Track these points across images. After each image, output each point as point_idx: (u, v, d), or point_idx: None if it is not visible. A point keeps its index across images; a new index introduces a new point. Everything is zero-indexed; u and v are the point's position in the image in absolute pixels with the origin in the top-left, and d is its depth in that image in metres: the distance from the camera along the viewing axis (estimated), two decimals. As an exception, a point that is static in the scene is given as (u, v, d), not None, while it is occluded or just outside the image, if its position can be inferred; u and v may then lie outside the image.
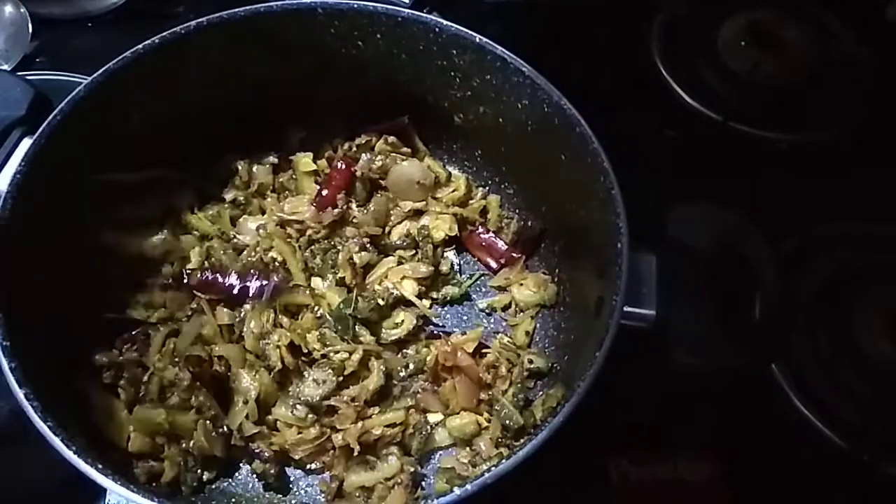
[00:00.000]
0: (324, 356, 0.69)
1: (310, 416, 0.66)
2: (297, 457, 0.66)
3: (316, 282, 0.73)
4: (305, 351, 0.69)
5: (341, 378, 0.67)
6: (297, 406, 0.66)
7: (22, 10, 1.04)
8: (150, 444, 0.64)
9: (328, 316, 0.70)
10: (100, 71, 0.63)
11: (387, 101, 0.77)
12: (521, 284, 0.77)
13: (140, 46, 0.64)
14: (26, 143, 0.62)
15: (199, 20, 0.66)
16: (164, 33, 0.65)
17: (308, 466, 0.68)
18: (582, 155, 0.63)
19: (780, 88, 1.00)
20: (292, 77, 0.74)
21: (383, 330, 0.72)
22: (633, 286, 0.58)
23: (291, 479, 0.69)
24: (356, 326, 0.70)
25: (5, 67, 1.03)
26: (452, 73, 0.72)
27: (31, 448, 0.52)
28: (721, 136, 0.95)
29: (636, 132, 0.94)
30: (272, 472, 0.66)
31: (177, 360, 0.66)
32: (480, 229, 0.79)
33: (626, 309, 0.57)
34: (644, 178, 0.74)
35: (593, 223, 0.64)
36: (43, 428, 0.48)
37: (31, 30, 1.04)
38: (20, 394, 0.49)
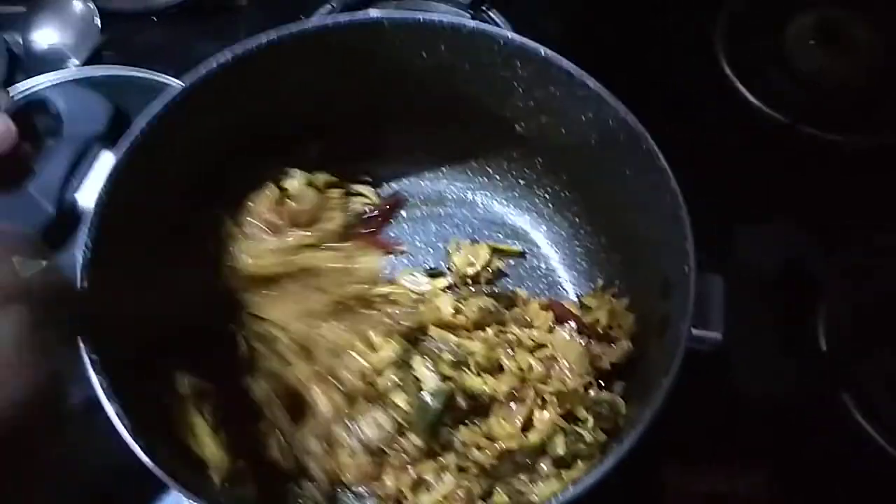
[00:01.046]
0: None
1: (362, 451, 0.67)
2: (347, 480, 0.67)
3: None
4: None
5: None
6: (353, 438, 0.67)
7: (90, 6, 1.07)
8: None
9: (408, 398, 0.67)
10: (177, 89, 0.65)
11: (448, 108, 0.77)
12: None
13: (213, 63, 0.66)
14: (107, 157, 0.64)
15: (270, 35, 0.67)
16: (235, 49, 0.66)
17: (358, 490, 0.69)
18: (648, 172, 0.63)
19: (849, 89, 0.97)
20: (357, 88, 0.75)
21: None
22: (699, 308, 0.58)
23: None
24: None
25: (76, 62, 1.06)
26: (515, 84, 0.72)
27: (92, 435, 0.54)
28: (789, 139, 0.93)
29: (699, 135, 0.93)
30: (319, 496, 0.67)
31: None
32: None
33: (693, 332, 0.57)
34: (708, 191, 0.73)
35: (658, 241, 0.64)
36: (134, 446, 0.51)
37: (99, 25, 1.06)
38: (111, 409, 0.52)
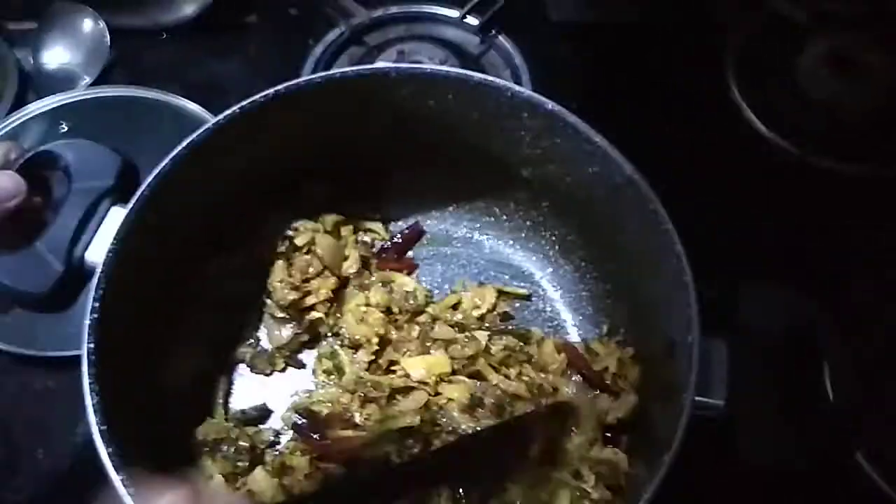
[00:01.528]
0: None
1: None
2: None
3: None
4: None
5: None
6: None
7: (100, 24, 1.07)
8: None
9: None
10: (183, 143, 0.65)
11: (455, 152, 0.78)
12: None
13: (221, 117, 0.66)
14: (115, 212, 0.65)
15: (278, 88, 0.67)
16: (244, 103, 0.67)
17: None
18: (654, 233, 0.63)
19: (863, 118, 0.96)
20: (364, 134, 0.76)
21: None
22: (702, 373, 0.58)
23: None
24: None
25: (86, 80, 1.06)
26: (522, 133, 0.72)
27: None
28: (800, 171, 0.92)
29: (708, 167, 0.92)
30: None
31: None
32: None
33: (696, 399, 0.57)
34: (713, 232, 0.73)
35: (662, 300, 0.64)
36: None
37: (109, 43, 1.06)
38: (117, 481, 0.52)
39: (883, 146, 0.95)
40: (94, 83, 1.05)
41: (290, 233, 0.75)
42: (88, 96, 1.04)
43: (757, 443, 0.59)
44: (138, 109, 1.02)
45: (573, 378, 0.71)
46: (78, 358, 0.58)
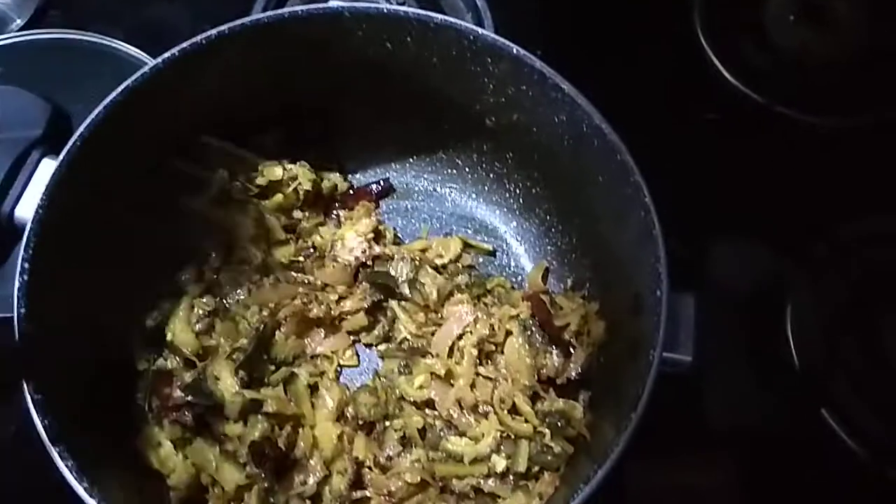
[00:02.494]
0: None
1: None
2: None
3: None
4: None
5: None
6: None
7: (33, -40, 0.99)
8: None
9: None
10: (119, 89, 0.60)
11: (416, 99, 0.74)
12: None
13: (160, 60, 0.61)
14: (46, 164, 0.60)
15: (221, 29, 0.62)
16: (185, 44, 0.62)
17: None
18: (621, 184, 0.61)
19: (830, 68, 0.94)
20: (319, 78, 0.71)
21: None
22: (670, 329, 0.56)
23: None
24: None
25: (18, 23, 0.99)
26: (486, 80, 0.68)
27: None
28: (765, 120, 0.90)
29: (674, 116, 0.90)
30: None
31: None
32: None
33: (664, 355, 0.56)
34: (679, 185, 0.71)
35: (630, 255, 0.62)
36: (78, 488, 0.49)
37: (43, -19, 0.99)
38: (54, 452, 0.49)
39: (849, 96, 0.93)
40: (26, 25, 0.98)
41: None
42: (19, 39, 0.97)
43: (724, 401, 0.58)
44: (74, 54, 0.96)
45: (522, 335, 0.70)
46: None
